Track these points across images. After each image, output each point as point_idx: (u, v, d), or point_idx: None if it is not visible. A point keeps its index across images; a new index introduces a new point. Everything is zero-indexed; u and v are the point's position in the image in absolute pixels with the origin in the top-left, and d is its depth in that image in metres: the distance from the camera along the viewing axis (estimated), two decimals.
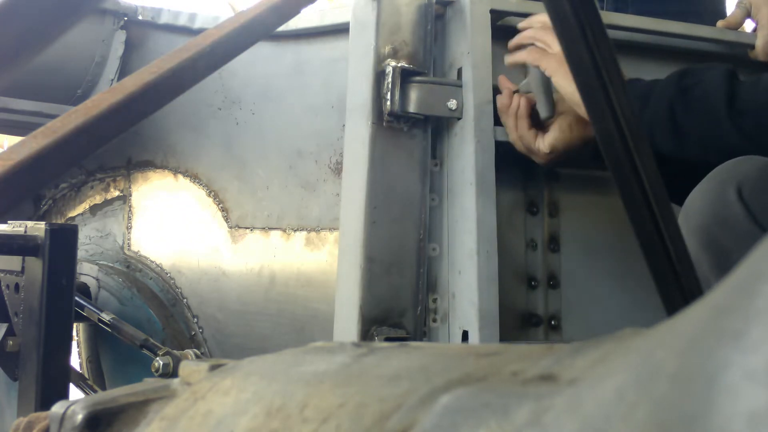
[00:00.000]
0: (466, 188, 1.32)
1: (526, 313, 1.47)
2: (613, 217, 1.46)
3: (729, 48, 1.56)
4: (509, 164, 1.43)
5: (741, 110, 1.11)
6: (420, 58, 1.35)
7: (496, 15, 1.38)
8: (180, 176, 2.12)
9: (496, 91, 1.36)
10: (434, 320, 1.35)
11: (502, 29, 1.41)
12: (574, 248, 1.52)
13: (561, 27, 0.53)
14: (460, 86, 1.34)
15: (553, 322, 1.48)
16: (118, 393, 0.51)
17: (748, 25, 1.68)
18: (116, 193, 2.30)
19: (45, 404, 1.36)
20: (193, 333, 2.01)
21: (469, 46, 1.33)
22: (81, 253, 2.12)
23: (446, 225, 1.36)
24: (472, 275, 1.28)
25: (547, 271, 1.50)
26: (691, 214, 1.12)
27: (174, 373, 1.67)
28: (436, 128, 1.38)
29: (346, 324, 1.32)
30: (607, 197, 1.49)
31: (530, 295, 1.48)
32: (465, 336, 1.29)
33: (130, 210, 2.25)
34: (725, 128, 1.11)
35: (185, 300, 2.05)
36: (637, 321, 1.41)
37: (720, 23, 1.59)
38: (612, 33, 1.43)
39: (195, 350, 1.87)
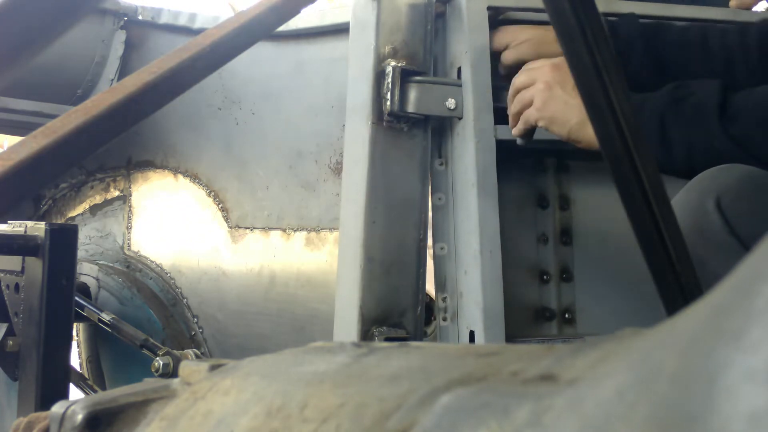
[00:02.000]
0: (469, 188, 1.32)
1: (539, 307, 1.47)
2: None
3: None
4: (517, 159, 1.43)
5: (733, 116, 1.10)
6: (420, 58, 1.35)
7: (494, 11, 1.37)
8: (180, 176, 2.12)
9: (497, 90, 1.36)
10: (444, 319, 1.35)
11: (501, 25, 1.41)
12: (586, 241, 1.52)
13: (561, 27, 0.53)
14: (460, 85, 1.34)
15: (567, 316, 1.48)
16: (118, 393, 0.51)
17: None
18: (116, 193, 2.31)
19: (45, 404, 1.36)
20: (193, 333, 2.01)
21: (467, 45, 1.33)
22: (81, 253, 2.12)
23: (452, 224, 1.36)
24: (477, 275, 1.28)
25: (559, 265, 1.49)
26: None
27: (174, 373, 1.67)
28: (441, 127, 1.38)
29: (346, 324, 1.32)
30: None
31: (543, 290, 1.48)
32: (472, 336, 1.29)
33: (130, 210, 2.25)
34: (715, 133, 1.11)
35: (185, 300, 2.05)
36: (651, 312, 1.41)
37: (732, 3, 1.59)
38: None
39: (195, 350, 1.87)
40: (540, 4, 1.37)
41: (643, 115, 1.15)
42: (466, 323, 1.31)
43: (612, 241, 1.52)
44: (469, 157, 1.31)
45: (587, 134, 1.18)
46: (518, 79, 1.27)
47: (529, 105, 1.24)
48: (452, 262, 1.35)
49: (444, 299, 1.35)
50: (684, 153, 1.14)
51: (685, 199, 1.11)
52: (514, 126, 1.28)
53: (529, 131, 1.27)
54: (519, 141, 1.30)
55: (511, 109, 1.28)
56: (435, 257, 1.36)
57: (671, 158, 1.15)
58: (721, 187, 1.08)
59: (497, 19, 1.39)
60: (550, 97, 1.21)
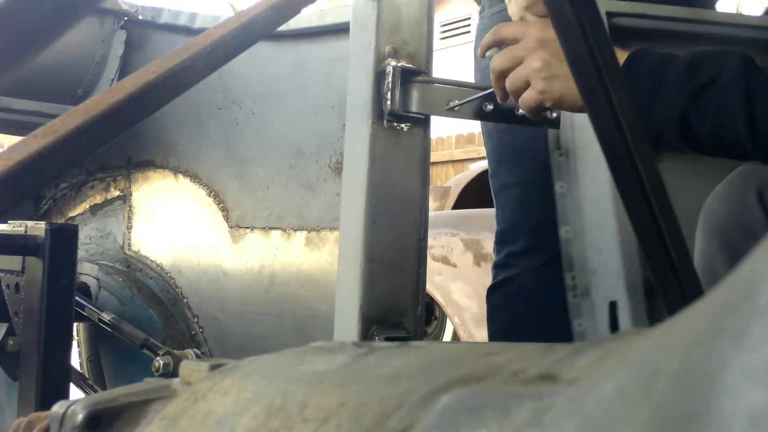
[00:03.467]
0: (599, 176, 1.36)
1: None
2: None
3: None
4: None
5: (762, 125, 1.01)
6: (420, 58, 1.35)
7: (612, 17, 1.37)
8: (180, 176, 2.12)
9: None
10: (574, 296, 1.40)
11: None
12: None
13: (561, 27, 0.53)
14: (461, 86, 1.34)
15: None
16: (118, 393, 0.51)
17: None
18: (116, 193, 2.31)
19: (45, 404, 1.36)
20: (193, 333, 2.01)
21: None
22: (81, 252, 2.12)
23: (577, 209, 1.41)
24: (615, 251, 1.34)
25: None
26: (711, 216, 1.11)
27: (174, 373, 1.67)
28: (560, 119, 1.41)
29: (347, 324, 1.32)
30: None
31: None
32: (613, 307, 1.34)
33: (130, 210, 2.25)
34: (744, 144, 1.02)
35: (185, 300, 2.05)
36: None
37: None
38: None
39: (195, 350, 1.87)
40: (654, 12, 1.37)
41: (661, 109, 1.07)
42: (603, 296, 1.37)
43: None
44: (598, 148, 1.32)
45: None
46: (499, 63, 1.16)
47: (524, 87, 1.14)
48: (579, 242, 1.41)
49: (573, 278, 1.41)
50: (710, 146, 1.07)
51: (727, 192, 1.10)
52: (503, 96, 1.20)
53: (537, 110, 1.16)
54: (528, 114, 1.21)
55: (502, 93, 1.19)
56: (561, 240, 1.42)
57: (698, 148, 1.09)
58: (763, 181, 1.06)
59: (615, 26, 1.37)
60: (551, 77, 1.10)
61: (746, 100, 1.01)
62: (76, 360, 2.12)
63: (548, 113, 1.33)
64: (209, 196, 2.01)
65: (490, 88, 1.34)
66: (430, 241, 2.46)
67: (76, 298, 1.76)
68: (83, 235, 2.28)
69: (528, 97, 1.13)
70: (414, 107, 1.32)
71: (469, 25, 12.35)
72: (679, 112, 1.06)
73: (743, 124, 1.01)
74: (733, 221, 1.07)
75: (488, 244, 3.00)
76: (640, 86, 1.09)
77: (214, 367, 0.49)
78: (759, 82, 1.02)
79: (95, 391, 2.12)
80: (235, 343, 1.91)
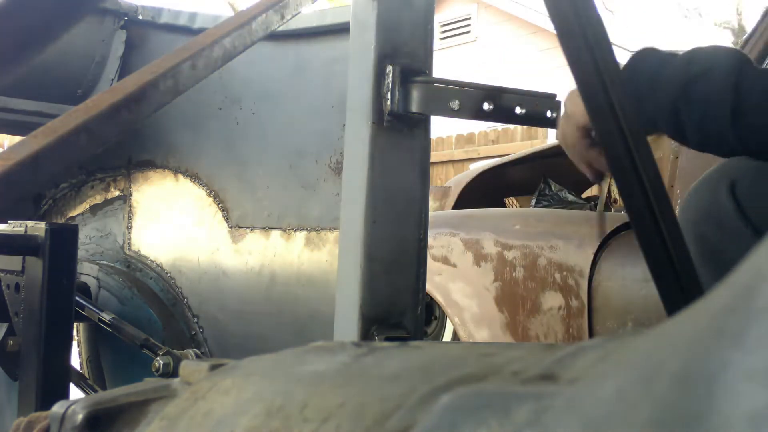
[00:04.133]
0: None
1: None
2: None
3: None
4: None
5: (747, 126, 1.01)
6: (420, 58, 1.35)
7: None
8: (180, 176, 2.12)
9: None
10: None
11: None
12: None
13: (561, 27, 0.53)
14: (460, 86, 1.34)
15: None
16: (118, 393, 0.51)
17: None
18: (116, 193, 2.31)
19: (45, 404, 1.36)
20: (193, 333, 2.01)
21: None
22: (81, 252, 2.13)
23: None
24: None
25: None
26: (686, 209, 1.12)
27: (174, 373, 1.67)
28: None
29: (346, 324, 1.32)
30: None
31: None
32: None
33: (130, 210, 2.25)
34: (728, 139, 1.04)
35: (185, 300, 2.05)
36: None
37: None
38: None
39: (195, 350, 1.87)
40: None
41: (656, 100, 1.08)
42: None
43: None
44: None
45: None
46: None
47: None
48: None
49: None
50: (697, 140, 1.08)
51: (701, 185, 1.10)
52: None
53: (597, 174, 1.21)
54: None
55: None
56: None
57: (686, 140, 1.09)
58: (735, 175, 1.06)
59: None
60: (572, 155, 1.18)
61: (734, 93, 1.01)
62: (76, 360, 2.12)
63: (548, 113, 1.33)
64: (209, 196, 2.01)
65: (493, 88, 1.34)
66: (430, 241, 2.46)
67: (76, 298, 1.76)
68: (83, 235, 2.28)
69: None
70: (414, 107, 1.32)
71: (469, 25, 12.33)
72: (671, 102, 1.07)
73: (728, 117, 1.01)
74: (705, 214, 1.08)
75: (488, 244, 2.99)
76: (641, 81, 1.10)
77: (214, 367, 0.49)
78: (750, 77, 1.02)
79: (95, 391, 2.12)
80: (235, 343, 1.91)
